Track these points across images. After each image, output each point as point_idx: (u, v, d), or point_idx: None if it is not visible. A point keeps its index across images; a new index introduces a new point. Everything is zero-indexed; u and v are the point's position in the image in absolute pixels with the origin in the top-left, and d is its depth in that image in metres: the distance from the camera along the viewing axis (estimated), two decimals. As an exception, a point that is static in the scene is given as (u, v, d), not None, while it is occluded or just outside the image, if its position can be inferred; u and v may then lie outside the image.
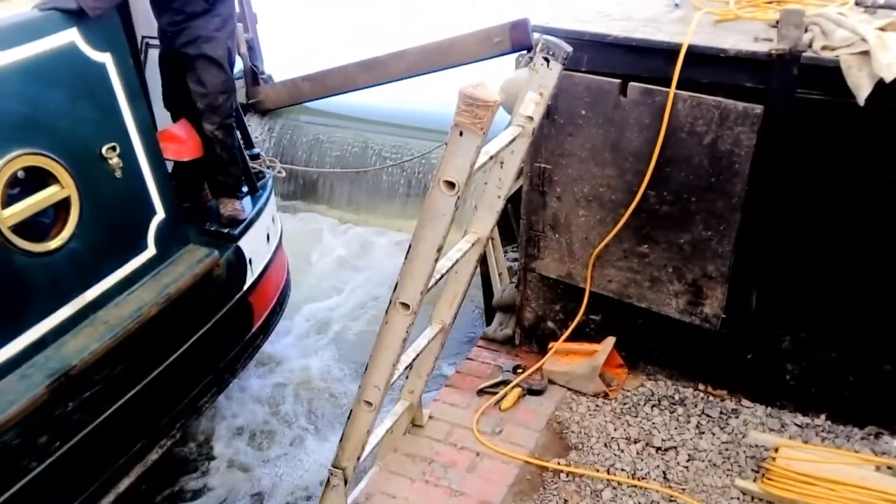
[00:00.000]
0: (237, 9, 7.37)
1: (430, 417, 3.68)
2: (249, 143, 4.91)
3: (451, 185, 2.31)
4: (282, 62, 8.15)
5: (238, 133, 4.51)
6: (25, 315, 3.28)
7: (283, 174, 5.11)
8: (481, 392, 3.83)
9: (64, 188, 3.36)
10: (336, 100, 7.60)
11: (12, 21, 3.19)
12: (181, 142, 4.27)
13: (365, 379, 2.80)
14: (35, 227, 3.33)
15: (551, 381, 3.84)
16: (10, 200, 3.17)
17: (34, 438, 3.24)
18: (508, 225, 4.95)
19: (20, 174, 3.24)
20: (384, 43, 7.51)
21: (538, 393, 3.79)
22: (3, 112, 3.10)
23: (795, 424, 3.54)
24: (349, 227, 7.36)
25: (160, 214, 3.87)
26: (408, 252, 2.49)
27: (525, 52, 6.54)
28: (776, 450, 3.27)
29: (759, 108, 3.05)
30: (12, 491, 3.17)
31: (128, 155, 3.64)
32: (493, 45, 6.75)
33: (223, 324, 4.30)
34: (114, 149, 3.56)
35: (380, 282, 6.50)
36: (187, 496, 4.56)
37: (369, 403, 2.83)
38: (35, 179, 3.30)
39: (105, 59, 3.51)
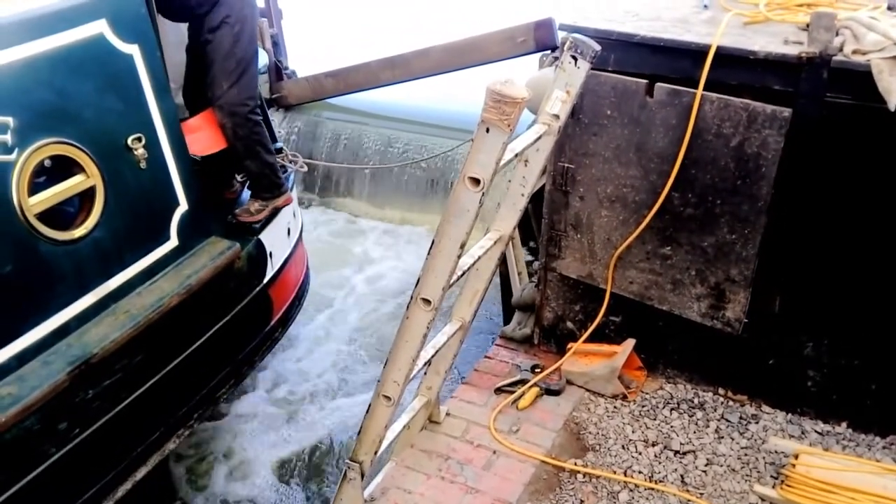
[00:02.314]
0: (262, 4, 7.49)
1: (448, 414, 3.68)
2: (273, 137, 4.92)
3: (476, 181, 2.31)
4: (306, 57, 8.19)
5: (264, 128, 4.46)
6: (49, 302, 3.31)
7: (305, 169, 5.12)
8: (499, 390, 3.83)
9: (89, 178, 3.38)
10: (359, 96, 7.63)
11: (42, 11, 3.21)
12: (204, 133, 4.28)
13: (384, 374, 2.80)
14: (60, 215, 3.35)
15: (569, 382, 3.82)
16: (36, 189, 3.19)
17: (54, 424, 3.27)
18: (527, 223, 4.94)
19: (47, 163, 3.26)
20: (408, 40, 7.53)
21: (556, 393, 3.77)
22: (31, 101, 3.12)
23: (816, 432, 3.50)
24: (369, 222, 7.39)
25: (183, 206, 3.88)
26: (431, 248, 2.49)
27: (549, 51, 6.53)
28: (796, 456, 3.24)
29: (787, 112, 3.02)
30: (32, 476, 3.20)
31: (153, 146, 3.66)
32: (517, 45, 6.74)
33: (243, 316, 4.31)
34: (139, 140, 3.57)
35: (397, 277, 6.52)
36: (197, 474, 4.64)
37: (388, 398, 2.84)
38: (61, 168, 3.32)
39: (133, 50, 3.53)
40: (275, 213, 4.52)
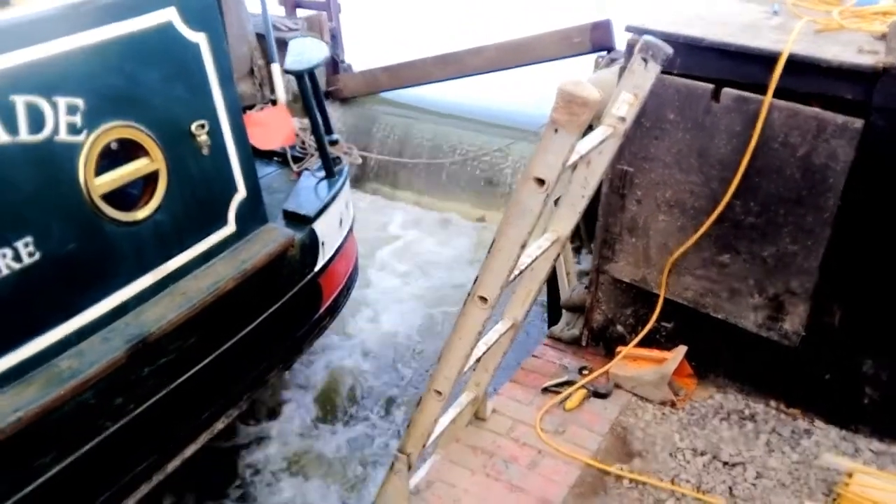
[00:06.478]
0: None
1: (494, 411, 3.68)
2: (329, 129, 4.98)
3: (540, 182, 2.30)
4: (363, 52, 8.27)
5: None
6: (110, 281, 3.40)
7: (360, 161, 5.17)
8: (545, 390, 3.81)
9: (153, 161, 3.46)
10: (415, 92, 7.67)
11: (115, -2, 3.28)
12: (271, 129, 4.35)
13: (437, 368, 2.81)
14: (124, 197, 3.44)
15: (617, 386, 3.79)
16: (101, 170, 3.27)
17: (110, 399, 3.36)
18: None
19: (113, 145, 3.35)
20: (464, 37, 7.54)
21: (604, 396, 3.74)
22: (101, 84, 3.19)
23: (870, 450, 3.42)
24: (420, 215, 7.43)
25: (241, 193, 3.95)
26: (490, 247, 2.48)
27: (606, 52, 6.48)
28: (850, 475, 3.16)
29: (859, 123, 2.95)
30: (86, 448, 3.29)
31: (215, 133, 3.73)
32: (573, 45, 6.71)
33: (293, 303, 4.38)
34: (202, 126, 3.64)
35: (444, 272, 6.54)
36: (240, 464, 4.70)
37: (439, 393, 2.85)
38: (127, 151, 3.40)
39: (200, 38, 3.59)
40: None
